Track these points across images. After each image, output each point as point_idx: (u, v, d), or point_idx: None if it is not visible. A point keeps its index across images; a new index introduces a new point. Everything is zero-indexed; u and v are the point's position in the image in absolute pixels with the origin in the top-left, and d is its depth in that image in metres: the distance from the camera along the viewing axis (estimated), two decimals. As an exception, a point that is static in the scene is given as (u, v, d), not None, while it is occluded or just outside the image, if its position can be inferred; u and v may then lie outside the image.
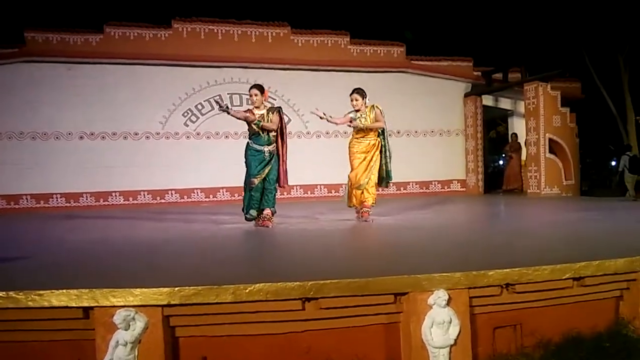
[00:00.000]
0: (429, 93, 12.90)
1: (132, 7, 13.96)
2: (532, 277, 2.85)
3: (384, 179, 6.74)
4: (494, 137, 19.17)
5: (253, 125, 6.05)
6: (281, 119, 6.20)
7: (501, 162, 16.88)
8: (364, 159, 6.47)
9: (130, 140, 11.11)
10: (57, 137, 10.74)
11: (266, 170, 6.08)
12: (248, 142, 6.22)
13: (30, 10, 13.39)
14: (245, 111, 6.13)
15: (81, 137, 10.81)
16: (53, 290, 2.69)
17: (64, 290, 2.70)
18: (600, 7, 10.80)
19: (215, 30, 11.62)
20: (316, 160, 11.97)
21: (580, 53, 11.25)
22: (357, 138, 6.59)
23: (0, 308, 2.65)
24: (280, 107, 6.29)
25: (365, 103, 6.56)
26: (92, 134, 10.83)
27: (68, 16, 12.88)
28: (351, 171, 6.58)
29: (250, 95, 6.09)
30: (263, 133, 6.03)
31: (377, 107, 6.57)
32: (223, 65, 11.61)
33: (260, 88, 6.10)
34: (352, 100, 6.59)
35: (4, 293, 2.69)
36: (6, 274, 3.29)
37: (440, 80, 13.03)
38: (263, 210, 6.06)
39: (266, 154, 6.08)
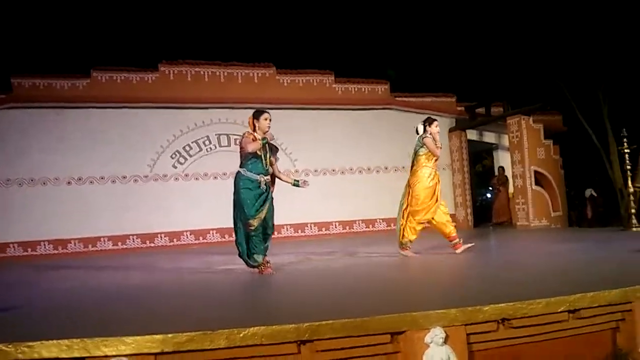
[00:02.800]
0: (413, 129, 13.04)
1: (119, 51, 14.12)
2: (527, 311, 2.85)
3: None
4: (480, 171, 19.36)
5: (257, 144, 5.20)
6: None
7: (489, 196, 16.99)
8: (434, 192, 6.27)
9: (118, 184, 11.04)
10: (44, 183, 10.66)
11: (264, 209, 5.16)
12: (239, 172, 5.28)
13: (16, 56, 13.47)
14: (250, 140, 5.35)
15: (69, 183, 10.74)
16: (43, 341, 2.64)
17: (55, 341, 2.64)
18: (577, 44, 11.14)
19: (202, 72, 11.77)
20: (306, 198, 11.96)
21: (560, 87, 11.52)
22: (429, 166, 6.35)
23: (-12, 361, 2.58)
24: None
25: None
26: (79, 179, 10.76)
27: (54, 61, 12.97)
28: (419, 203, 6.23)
29: (265, 119, 5.33)
30: (264, 157, 5.22)
31: None
32: (210, 106, 11.71)
33: (254, 115, 5.49)
34: (438, 127, 6.49)
35: (-8, 346, 2.62)
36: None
37: (424, 116, 13.18)
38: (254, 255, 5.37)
39: (263, 186, 5.17)
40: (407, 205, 6.35)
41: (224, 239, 11.19)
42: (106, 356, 2.60)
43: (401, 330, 2.77)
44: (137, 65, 11.54)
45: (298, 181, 5.44)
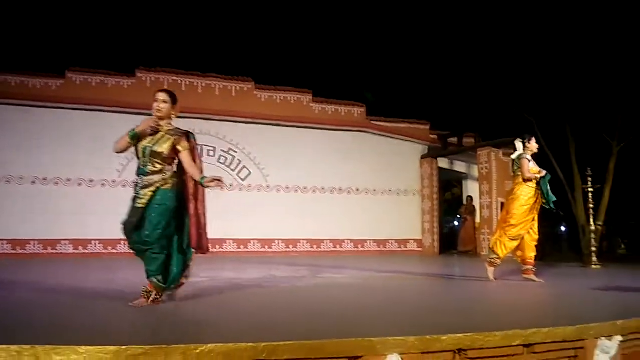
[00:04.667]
0: (387, 153, 13.25)
1: (96, 55, 13.95)
2: (484, 342, 2.88)
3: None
4: (449, 199, 19.66)
5: (121, 143, 4.18)
6: (193, 149, 4.21)
7: (456, 224, 17.24)
8: (531, 211, 6.07)
9: (84, 187, 10.84)
10: (7, 181, 10.39)
11: (135, 216, 3.98)
12: None
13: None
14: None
15: (33, 182, 10.50)
16: (-10, 346, 2.55)
17: (4, 346, 2.56)
18: (549, 80, 11.51)
19: (179, 82, 11.73)
20: (275, 215, 11.97)
21: (531, 121, 11.86)
22: (529, 186, 6.11)
23: None
24: (192, 134, 4.26)
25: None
26: (44, 179, 10.54)
27: (29, 59, 12.74)
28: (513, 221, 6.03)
29: (156, 100, 4.17)
30: (143, 153, 4.06)
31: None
32: (185, 116, 11.61)
33: (173, 96, 4.29)
34: (535, 145, 6.30)
35: None
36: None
37: (398, 141, 13.42)
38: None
39: (139, 187, 4.05)
40: (502, 221, 6.29)
41: (189, 251, 11.08)
42: (56, 365, 2.53)
43: (358, 356, 2.77)
44: (114, 69, 11.42)
45: (203, 178, 3.98)
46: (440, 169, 13.74)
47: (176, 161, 4.22)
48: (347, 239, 12.63)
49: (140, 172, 4.12)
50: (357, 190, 12.94)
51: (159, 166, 4.08)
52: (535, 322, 3.23)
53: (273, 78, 13.16)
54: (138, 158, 4.16)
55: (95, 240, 10.81)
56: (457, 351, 2.85)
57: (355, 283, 6.25)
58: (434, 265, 9.75)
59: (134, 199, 4.08)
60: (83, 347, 2.56)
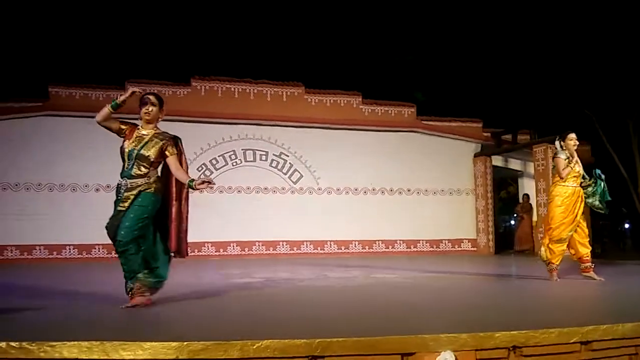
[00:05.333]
0: (439, 152, 13.10)
1: (153, 66, 14.52)
2: (540, 340, 2.85)
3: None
4: (504, 197, 19.20)
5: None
6: (181, 153, 4.30)
7: (512, 223, 16.82)
8: (571, 211, 5.78)
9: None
10: (73, 189, 10.96)
11: (119, 217, 4.00)
12: None
13: (55, 65, 13.97)
14: (130, 125, 4.21)
15: (97, 190, 11.03)
16: (65, 342, 2.74)
17: (76, 342, 2.74)
18: (609, 73, 11.09)
19: (232, 89, 12.03)
20: (327, 217, 12.07)
21: (590, 117, 11.44)
22: (562, 184, 5.85)
23: (13, 359, 2.68)
24: (179, 138, 4.37)
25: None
26: (107, 186, 11.01)
27: (91, 72, 13.42)
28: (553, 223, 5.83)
29: (145, 104, 4.17)
30: (129, 155, 4.08)
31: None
32: (238, 122, 11.95)
33: (160, 99, 4.29)
34: (572, 141, 5.91)
35: (16, 344, 2.73)
36: (19, 325, 3.35)
37: (450, 140, 13.24)
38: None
39: (122, 191, 4.06)
40: (545, 225, 6.20)
41: (243, 252, 11.36)
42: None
43: (411, 352, 2.79)
44: (170, 79, 11.86)
45: (192, 181, 4.01)
46: (495, 167, 13.45)
47: (161, 166, 4.25)
48: (400, 240, 12.57)
49: (125, 175, 4.11)
50: (409, 190, 12.85)
51: (144, 169, 4.09)
52: (594, 319, 3.16)
53: (323, 82, 13.30)
54: (123, 160, 4.15)
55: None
56: (511, 348, 2.83)
57: (407, 282, 6.24)
58: (488, 264, 9.57)
59: (117, 202, 4.09)
60: (148, 343, 2.72)
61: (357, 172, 12.48)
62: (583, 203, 5.88)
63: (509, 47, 13.21)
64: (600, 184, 5.93)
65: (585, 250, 5.89)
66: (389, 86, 16.49)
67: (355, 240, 12.33)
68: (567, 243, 5.84)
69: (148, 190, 4.06)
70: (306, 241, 12.01)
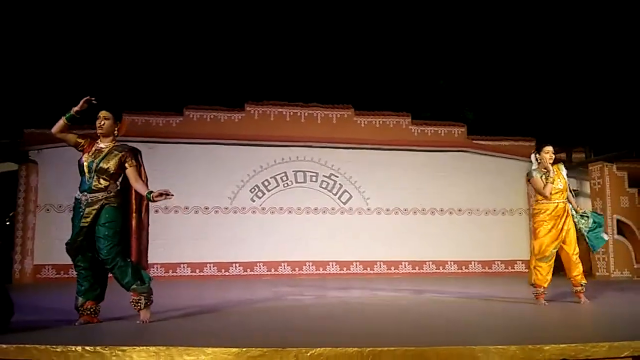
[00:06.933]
0: (490, 172, 12.95)
1: (210, 92, 15.12)
2: (590, 353, 2.87)
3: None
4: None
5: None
6: (140, 165, 4.28)
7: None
8: (554, 226, 5.43)
9: (200, 214, 11.74)
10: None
11: (80, 236, 4.01)
12: None
13: (117, 93, 14.78)
14: (89, 139, 4.26)
15: (156, 211, 11.50)
16: (135, 347, 2.98)
17: (144, 347, 2.98)
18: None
19: (284, 113, 12.38)
20: (377, 237, 12.13)
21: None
22: (547, 202, 5.48)
23: (87, 362, 2.94)
24: (139, 150, 4.35)
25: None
26: (166, 208, 11.52)
27: (151, 100, 14.11)
28: (536, 240, 5.50)
29: (98, 118, 4.20)
30: (89, 169, 4.07)
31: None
32: (289, 144, 12.26)
33: (113, 114, 4.28)
34: (548, 154, 5.55)
35: (91, 348, 3.00)
36: (96, 331, 3.66)
37: (502, 160, 13.08)
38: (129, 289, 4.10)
39: (83, 206, 4.03)
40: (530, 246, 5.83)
41: (294, 272, 11.56)
42: (187, 364, 2.90)
43: (460, 363, 2.87)
44: (226, 105, 12.36)
45: (150, 193, 4.06)
46: (549, 187, 13.14)
47: (121, 178, 4.23)
48: (451, 261, 12.44)
49: (84, 189, 4.08)
50: (459, 210, 12.74)
51: (104, 182, 4.08)
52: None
53: (372, 103, 13.46)
54: (82, 174, 4.14)
55: (210, 263, 11.60)
56: (560, 361, 2.86)
57: (458, 301, 6.23)
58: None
59: (78, 218, 4.04)
60: (210, 349, 2.93)
61: (407, 192, 12.50)
62: (570, 219, 5.49)
63: (561, 62, 13.01)
64: (592, 223, 5.58)
65: (576, 272, 5.47)
66: (438, 105, 16.48)
67: (405, 261, 12.29)
68: (551, 261, 5.42)
69: (111, 205, 4.07)
70: (356, 261, 12.07)
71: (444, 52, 16.92)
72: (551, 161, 5.54)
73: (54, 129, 4.17)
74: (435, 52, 16.95)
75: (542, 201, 5.50)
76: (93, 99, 4.17)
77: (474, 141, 13.15)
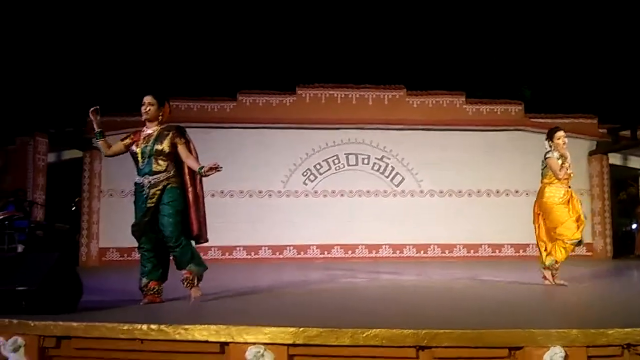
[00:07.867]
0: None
1: (262, 76, 15.27)
2: (657, 338, 2.75)
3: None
4: (624, 199, 17.80)
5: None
6: (188, 142, 4.40)
7: (634, 226, 15.55)
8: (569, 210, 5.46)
9: (255, 198, 11.95)
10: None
11: (146, 218, 4.19)
12: None
13: (172, 81, 15.17)
14: (132, 133, 4.45)
15: (212, 195, 11.76)
16: (196, 325, 3.09)
17: (206, 326, 3.08)
18: None
19: (335, 95, 12.35)
20: (430, 220, 11.98)
21: None
22: (557, 186, 5.51)
23: (152, 340, 3.05)
24: (183, 128, 4.48)
25: None
26: (222, 192, 11.78)
27: (205, 86, 14.41)
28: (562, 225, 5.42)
29: (142, 104, 4.30)
30: (142, 154, 4.25)
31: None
32: (341, 127, 12.24)
33: (159, 98, 4.35)
34: (561, 139, 5.48)
35: (155, 326, 3.12)
36: (160, 310, 3.83)
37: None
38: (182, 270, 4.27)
39: (146, 190, 4.20)
40: (548, 232, 5.70)
41: (346, 255, 11.63)
42: (246, 342, 2.98)
43: (520, 346, 2.82)
44: (277, 89, 12.45)
45: (202, 168, 4.14)
46: (612, 166, 12.56)
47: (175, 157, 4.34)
48: (507, 243, 12.13)
49: (145, 173, 4.23)
50: (516, 192, 12.37)
51: (163, 163, 4.22)
52: None
53: (425, 83, 13.20)
54: (136, 161, 4.30)
55: (264, 246, 11.82)
56: (625, 346, 2.76)
57: (516, 285, 6.10)
58: (605, 268, 9.02)
59: (142, 200, 4.21)
60: (268, 328, 2.99)
61: (461, 173, 12.24)
62: (579, 203, 5.55)
63: (622, 34, 12.34)
64: None
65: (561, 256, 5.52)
66: (494, 83, 16.00)
67: (459, 244, 12.10)
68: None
69: (172, 186, 4.23)
70: (408, 245, 11.99)
71: (498, 28, 16.36)
72: (565, 146, 5.48)
73: (105, 153, 4.46)
74: (490, 29, 16.41)
75: (554, 184, 5.47)
76: (97, 107, 4.29)
77: (532, 119, 12.68)
